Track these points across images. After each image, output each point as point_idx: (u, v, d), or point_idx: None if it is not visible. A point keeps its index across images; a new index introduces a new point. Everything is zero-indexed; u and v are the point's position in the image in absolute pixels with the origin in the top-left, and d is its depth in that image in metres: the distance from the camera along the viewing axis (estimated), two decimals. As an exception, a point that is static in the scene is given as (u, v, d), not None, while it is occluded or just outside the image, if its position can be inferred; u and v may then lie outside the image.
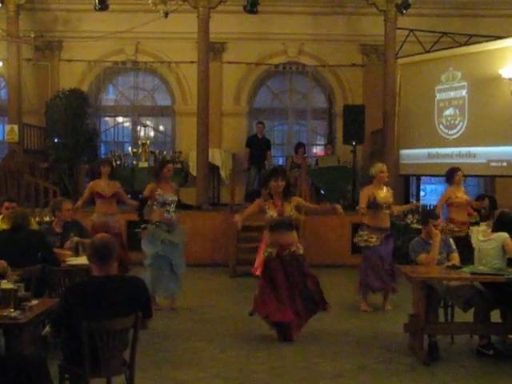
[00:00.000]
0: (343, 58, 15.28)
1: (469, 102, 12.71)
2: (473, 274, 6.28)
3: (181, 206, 9.11)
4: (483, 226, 8.61)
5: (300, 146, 14.16)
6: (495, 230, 6.85)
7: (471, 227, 9.56)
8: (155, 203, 8.36)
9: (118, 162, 14.00)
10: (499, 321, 6.76)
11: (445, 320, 7.10)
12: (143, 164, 14.28)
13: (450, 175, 9.46)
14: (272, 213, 6.92)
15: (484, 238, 6.94)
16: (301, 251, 7.08)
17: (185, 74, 15.24)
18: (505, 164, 12.19)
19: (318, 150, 16.74)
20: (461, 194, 9.42)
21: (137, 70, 15.99)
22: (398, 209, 9.42)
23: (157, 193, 8.32)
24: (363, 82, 15.46)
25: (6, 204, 7.51)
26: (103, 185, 9.53)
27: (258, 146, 14.18)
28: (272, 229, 7.00)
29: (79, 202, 9.85)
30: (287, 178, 7.07)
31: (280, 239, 6.95)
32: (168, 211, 8.38)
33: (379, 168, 8.63)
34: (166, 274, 8.36)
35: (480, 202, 11.51)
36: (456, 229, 9.12)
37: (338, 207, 7.37)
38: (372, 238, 8.47)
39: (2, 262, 5.63)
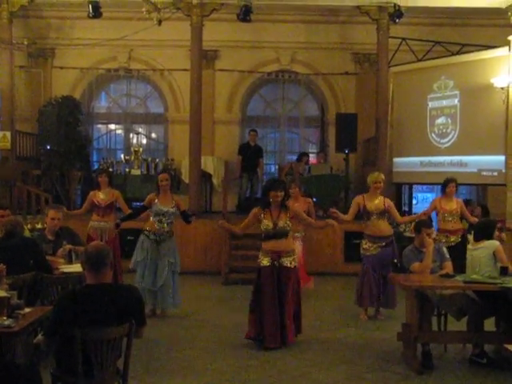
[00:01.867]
0: (336, 66, 15.32)
1: (461, 111, 12.76)
2: (466, 282, 6.29)
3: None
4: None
5: (304, 155, 14.27)
6: (476, 239, 6.91)
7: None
8: (151, 213, 8.41)
9: (111, 170, 13.96)
10: (492, 329, 6.77)
11: (438, 329, 7.10)
12: (136, 171, 14.28)
13: (444, 185, 9.60)
14: (267, 222, 7.01)
15: (473, 246, 6.98)
16: (293, 264, 7.09)
17: (177, 81, 15.24)
18: (495, 173, 12.23)
19: (310, 158, 16.74)
20: (448, 205, 9.49)
21: (129, 78, 15.95)
22: (405, 219, 9.58)
23: (154, 203, 8.38)
24: (356, 90, 15.51)
25: (0, 212, 7.46)
26: (100, 194, 9.58)
27: (250, 154, 14.18)
28: (266, 238, 7.07)
29: (76, 211, 9.99)
30: (286, 189, 7.20)
31: (274, 247, 7.01)
32: (160, 222, 8.37)
33: (374, 178, 8.64)
34: (149, 289, 8.33)
35: (469, 208, 11.56)
36: (442, 239, 9.14)
37: (332, 222, 7.41)
38: (369, 246, 8.48)
39: (1, 266, 5.56)
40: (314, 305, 9.30)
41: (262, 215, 7.06)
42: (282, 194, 7.03)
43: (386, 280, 8.38)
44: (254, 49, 15.19)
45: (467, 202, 11.64)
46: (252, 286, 7.22)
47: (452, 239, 9.33)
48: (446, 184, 9.50)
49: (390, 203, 8.67)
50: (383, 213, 8.55)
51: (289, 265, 7.03)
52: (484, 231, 6.93)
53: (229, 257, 11.56)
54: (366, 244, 8.56)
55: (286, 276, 7.01)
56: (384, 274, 8.38)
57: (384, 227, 8.53)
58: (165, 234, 8.39)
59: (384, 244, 8.46)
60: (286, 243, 7.07)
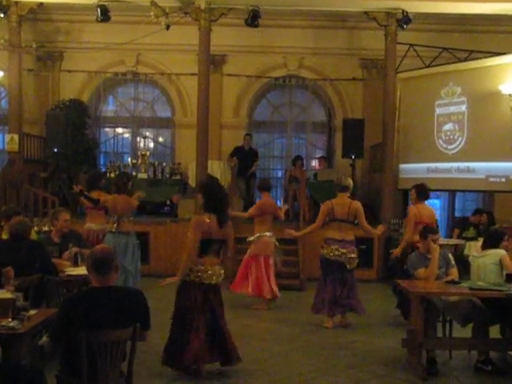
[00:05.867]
0: (343, 71, 15.34)
1: (468, 118, 12.73)
2: (472, 289, 6.28)
3: None
4: (481, 242, 8.64)
5: (298, 159, 14.15)
6: (484, 247, 6.92)
7: (467, 242, 9.54)
8: None
9: (117, 173, 13.96)
10: (498, 336, 6.75)
11: (443, 335, 7.08)
12: (142, 175, 14.30)
13: None
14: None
15: (478, 253, 6.97)
16: (213, 280, 6.55)
17: (185, 85, 15.29)
18: (503, 180, 12.18)
19: (316, 164, 16.75)
20: None
21: (137, 82, 16.02)
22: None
23: None
24: (363, 95, 15.52)
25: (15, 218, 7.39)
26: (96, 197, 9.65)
27: (244, 158, 14.12)
28: None
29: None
30: (204, 191, 6.35)
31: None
32: None
33: None
34: None
35: (477, 217, 11.53)
36: None
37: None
38: None
39: (10, 269, 5.56)
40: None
41: None
42: (200, 196, 6.38)
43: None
44: (261, 54, 15.22)
45: (476, 212, 11.53)
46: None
47: None
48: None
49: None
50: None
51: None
52: (492, 240, 6.92)
53: (233, 261, 11.52)
54: None
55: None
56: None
57: None
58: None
59: None
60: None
